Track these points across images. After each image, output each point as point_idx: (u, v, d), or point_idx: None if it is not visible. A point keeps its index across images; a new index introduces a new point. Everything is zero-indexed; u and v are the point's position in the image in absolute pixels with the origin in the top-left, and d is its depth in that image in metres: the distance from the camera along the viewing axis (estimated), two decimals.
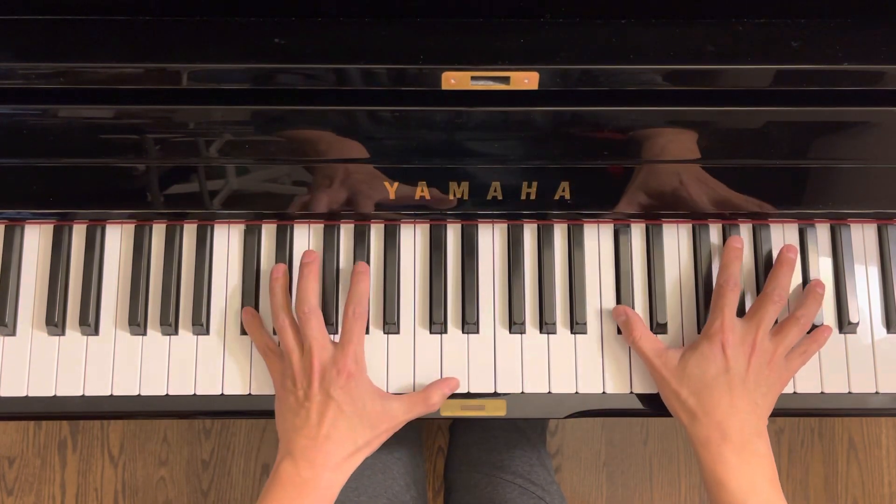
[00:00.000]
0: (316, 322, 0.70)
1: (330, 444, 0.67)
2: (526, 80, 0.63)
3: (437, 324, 0.74)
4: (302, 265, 0.73)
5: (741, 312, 0.74)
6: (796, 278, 0.76)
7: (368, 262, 0.75)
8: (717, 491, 0.66)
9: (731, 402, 0.67)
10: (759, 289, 0.75)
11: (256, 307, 0.75)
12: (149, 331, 0.75)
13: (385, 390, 0.73)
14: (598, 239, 0.76)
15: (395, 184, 0.71)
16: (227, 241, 0.76)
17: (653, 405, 0.73)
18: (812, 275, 0.75)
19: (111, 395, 0.74)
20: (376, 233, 0.76)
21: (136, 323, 0.74)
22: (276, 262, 0.75)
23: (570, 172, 0.70)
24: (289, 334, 0.71)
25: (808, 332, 0.73)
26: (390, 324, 0.74)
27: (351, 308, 0.71)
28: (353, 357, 0.69)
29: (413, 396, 0.71)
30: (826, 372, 0.74)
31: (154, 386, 0.74)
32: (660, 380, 0.71)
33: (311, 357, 0.69)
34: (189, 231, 0.76)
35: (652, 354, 0.71)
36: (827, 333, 0.73)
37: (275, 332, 0.74)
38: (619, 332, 0.75)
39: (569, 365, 0.74)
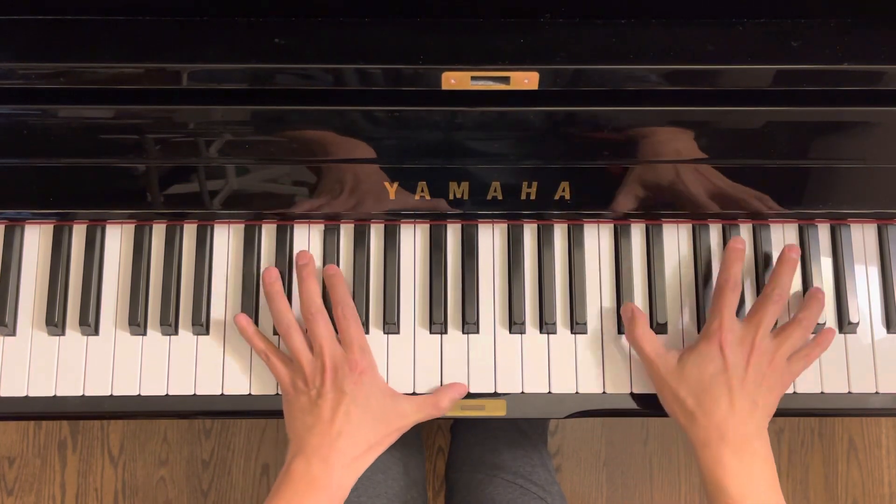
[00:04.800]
0: (323, 321, 0.71)
1: (342, 441, 0.66)
2: (526, 80, 0.63)
3: (437, 324, 0.74)
4: (299, 267, 0.73)
5: (741, 313, 0.74)
6: (796, 280, 0.76)
7: (368, 262, 0.75)
8: (715, 493, 0.65)
9: (730, 402, 0.66)
10: (758, 289, 0.75)
11: (257, 307, 0.75)
12: (149, 331, 0.75)
13: None
14: (598, 239, 0.76)
15: (395, 184, 0.71)
16: (228, 241, 0.76)
17: (653, 405, 0.73)
18: (813, 274, 0.75)
19: (111, 395, 0.74)
20: (376, 233, 0.76)
21: (136, 323, 0.74)
22: (276, 262, 0.75)
23: (569, 172, 0.70)
24: (296, 337, 0.71)
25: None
26: (390, 324, 0.74)
27: (339, 310, 0.71)
28: (361, 351, 0.70)
29: (424, 399, 0.71)
30: (826, 372, 0.74)
31: (154, 386, 0.74)
32: (658, 380, 0.70)
33: (323, 356, 0.69)
34: (189, 231, 0.76)
35: (653, 355, 0.71)
36: (831, 336, 0.72)
37: (274, 333, 0.74)
38: (619, 332, 0.75)
39: (569, 365, 0.74)
